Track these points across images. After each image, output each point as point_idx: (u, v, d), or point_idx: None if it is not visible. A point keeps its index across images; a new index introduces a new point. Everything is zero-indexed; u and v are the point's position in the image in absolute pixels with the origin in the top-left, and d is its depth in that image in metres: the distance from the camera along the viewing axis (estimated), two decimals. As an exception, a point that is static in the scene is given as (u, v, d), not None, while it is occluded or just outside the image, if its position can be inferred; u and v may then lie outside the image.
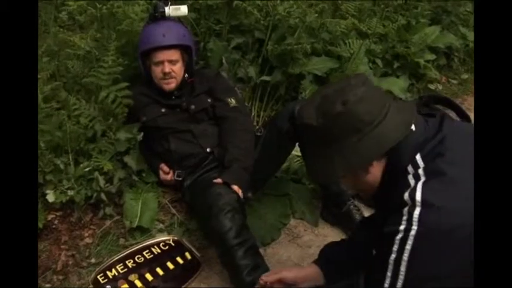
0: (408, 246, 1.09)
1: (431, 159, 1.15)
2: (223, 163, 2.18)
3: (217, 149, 2.28)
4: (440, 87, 3.81)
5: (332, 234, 2.29)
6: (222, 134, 2.29)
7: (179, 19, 2.37)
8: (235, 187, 2.08)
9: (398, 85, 3.18)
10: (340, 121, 1.20)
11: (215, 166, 2.26)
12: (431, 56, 3.68)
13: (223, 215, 1.87)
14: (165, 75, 2.28)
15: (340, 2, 3.35)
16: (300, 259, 2.15)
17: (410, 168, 1.17)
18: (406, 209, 1.12)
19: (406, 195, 1.13)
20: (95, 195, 2.19)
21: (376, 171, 1.23)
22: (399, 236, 1.11)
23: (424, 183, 1.12)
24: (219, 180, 2.08)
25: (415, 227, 1.09)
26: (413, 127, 1.20)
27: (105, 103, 2.20)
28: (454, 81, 4.02)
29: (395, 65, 3.45)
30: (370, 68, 3.24)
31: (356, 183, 1.32)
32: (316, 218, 2.38)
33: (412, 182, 1.15)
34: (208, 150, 2.29)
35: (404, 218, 1.11)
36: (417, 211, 1.09)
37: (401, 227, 1.11)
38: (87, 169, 2.17)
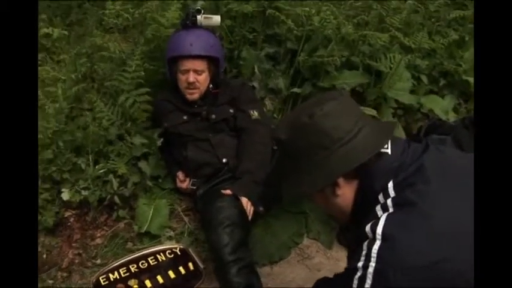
0: (367, 285, 0.98)
1: (402, 188, 1.04)
2: (235, 174, 2.14)
3: (234, 160, 2.24)
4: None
5: (345, 260, 2.17)
6: (239, 146, 2.25)
7: (212, 29, 2.36)
8: (243, 200, 2.03)
9: (441, 105, 2.98)
10: (305, 134, 1.13)
11: (229, 177, 2.22)
12: (484, 75, 3.44)
13: (222, 229, 1.83)
14: (189, 84, 2.27)
15: (385, 14, 3.21)
16: (306, 281, 2.05)
17: (380, 197, 1.06)
18: (366, 243, 1.01)
19: (368, 228, 1.02)
20: (108, 197, 2.22)
21: (346, 194, 1.13)
22: (358, 274, 1.00)
23: (388, 215, 1.02)
24: (228, 192, 2.04)
25: (373, 264, 0.98)
26: (388, 150, 1.10)
27: (124, 107, 2.22)
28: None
29: (442, 82, 3.25)
30: (414, 85, 3.07)
31: (327, 206, 1.23)
32: (331, 240, 2.27)
33: (379, 213, 1.04)
34: (224, 160, 2.25)
35: (363, 253, 1.00)
36: (376, 245, 0.98)
37: (360, 264, 1.00)
38: (101, 171, 2.20)
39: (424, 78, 3.24)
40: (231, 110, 2.34)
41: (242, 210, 1.95)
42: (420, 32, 3.26)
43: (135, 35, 2.66)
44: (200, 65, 2.25)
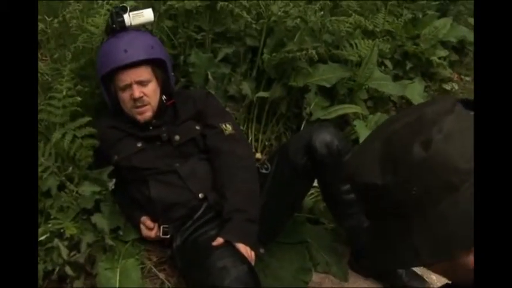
0: None
1: None
2: (221, 214, 1.67)
3: (213, 194, 1.76)
4: (456, 86, 3.35)
5: (368, 291, 1.80)
6: (216, 174, 1.77)
7: (145, 28, 1.86)
8: (241, 247, 1.57)
9: (416, 90, 2.70)
10: (422, 174, 0.71)
11: (211, 217, 1.74)
12: (444, 53, 3.23)
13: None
14: (136, 101, 1.77)
15: (339, -2, 2.86)
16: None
17: None
18: None
19: None
20: (57, 269, 1.66)
21: None
22: None
23: None
24: (219, 241, 1.57)
25: None
26: None
27: (60, 147, 1.66)
28: (468, 79, 3.57)
29: (408, 65, 2.98)
30: (380, 72, 2.76)
31: (449, 270, 0.82)
32: (345, 270, 1.88)
33: None
34: (200, 196, 1.76)
35: None
36: None
37: None
38: (43, 237, 1.63)
39: (389, 63, 2.96)
40: (197, 127, 1.86)
41: (250, 267, 1.48)
42: (379, 14, 2.97)
43: (54, 50, 2.08)
44: (143, 73, 1.76)
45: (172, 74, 1.89)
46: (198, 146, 1.84)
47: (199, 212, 1.76)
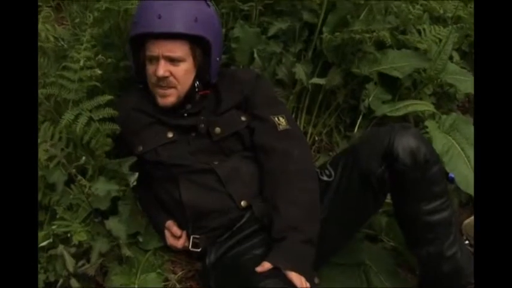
0: None
1: None
2: (270, 231, 1.32)
3: (259, 203, 1.40)
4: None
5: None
6: (266, 178, 1.41)
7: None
8: (293, 276, 1.22)
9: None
10: None
11: (255, 231, 1.39)
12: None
13: None
14: (159, 80, 1.43)
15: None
16: None
17: None
18: None
19: None
20: (60, 281, 1.33)
21: None
22: None
23: None
24: (266, 266, 1.22)
25: None
26: None
27: (72, 131, 1.32)
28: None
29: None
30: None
31: None
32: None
33: None
34: (243, 204, 1.41)
35: None
36: None
37: None
38: (45, 242, 1.30)
39: (456, 55, 2.54)
40: (243, 118, 1.50)
41: None
42: (447, -1, 2.55)
43: (76, 13, 1.73)
44: (176, 49, 1.42)
45: (218, 59, 1.53)
46: (243, 141, 1.48)
47: (240, 223, 1.41)
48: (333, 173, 1.41)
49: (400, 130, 1.33)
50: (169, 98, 1.47)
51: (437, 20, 2.46)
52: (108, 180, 1.33)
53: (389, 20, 2.18)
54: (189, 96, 1.49)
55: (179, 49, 1.42)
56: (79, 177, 1.32)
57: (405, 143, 1.29)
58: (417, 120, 2.15)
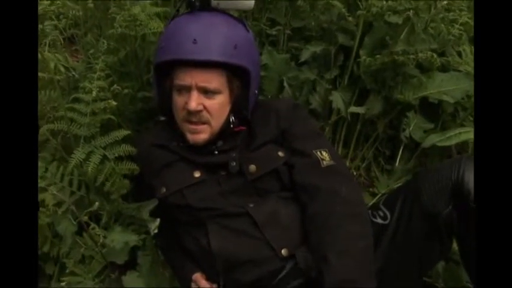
0: None
1: None
2: (319, 286, 1.10)
3: (303, 252, 1.19)
4: None
5: None
6: (311, 223, 1.20)
7: (241, 16, 1.38)
8: None
9: None
10: None
11: (299, 286, 1.17)
12: None
13: None
14: (190, 115, 1.24)
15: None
16: None
17: None
18: None
19: None
20: None
21: None
22: None
23: None
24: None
25: None
26: None
27: (83, 172, 1.13)
28: None
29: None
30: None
31: None
32: None
33: None
34: (283, 253, 1.19)
35: None
36: None
37: None
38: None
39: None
40: (281, 153, 1.30)
41: None
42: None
43: (89, 43, 1.58)
44: (212, 80, 1.23)
45: (257, 91, 1.35)
46: (281, 180, 1.28)
47: (281, 275, 1.19)
48: (388, 215, 1.20)
49: (469, 162, 1.12)
50: (201, 134, 1.28)
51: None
52: (125, 228, 1.14)
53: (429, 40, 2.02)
54: (222, 131, 1.31)
55: (216, 80, 1.24)
56: (92, 225, 1.12)
57: None
58: (460, 151, 1.95)
